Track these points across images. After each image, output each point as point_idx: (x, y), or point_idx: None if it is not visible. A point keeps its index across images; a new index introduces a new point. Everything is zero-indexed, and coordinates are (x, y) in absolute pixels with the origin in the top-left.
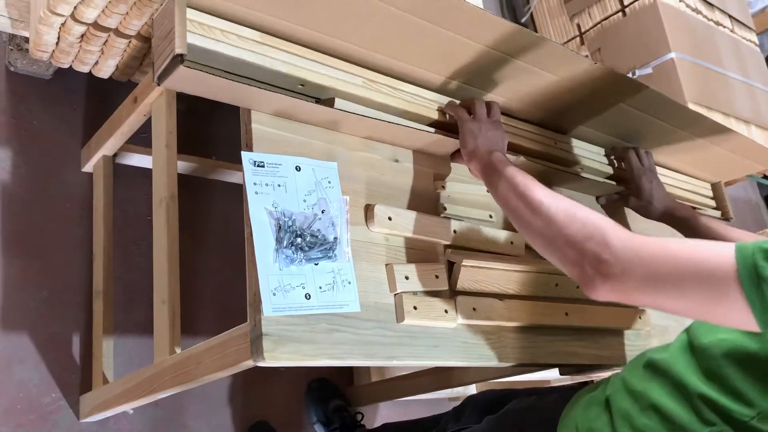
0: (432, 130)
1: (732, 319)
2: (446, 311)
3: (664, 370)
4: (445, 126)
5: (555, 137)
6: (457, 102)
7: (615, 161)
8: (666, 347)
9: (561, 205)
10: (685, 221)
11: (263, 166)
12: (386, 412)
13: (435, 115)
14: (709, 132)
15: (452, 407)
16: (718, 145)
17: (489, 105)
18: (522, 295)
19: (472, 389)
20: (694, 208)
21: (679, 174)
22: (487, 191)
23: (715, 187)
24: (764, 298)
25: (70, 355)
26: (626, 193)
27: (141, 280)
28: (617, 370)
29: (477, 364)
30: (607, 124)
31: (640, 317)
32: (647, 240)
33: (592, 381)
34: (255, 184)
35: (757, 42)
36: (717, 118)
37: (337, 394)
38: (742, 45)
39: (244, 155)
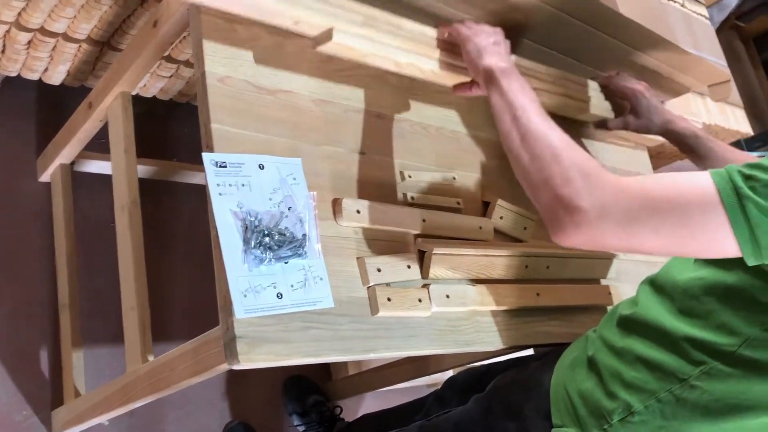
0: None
1: (716, 247)
2: (420, 300)
3: (640, 322)
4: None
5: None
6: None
7: (604, 92)
8: (633, 301)
9: (551, 141)
10: (684, 136)
11: (225, 167)
12: (368, 402)
13: (437, 54)
14: (646, 44)
15: (432, 391)
16: (659, 61)
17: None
18: (493, 279)
19: (450, 374)
20: None
21: None
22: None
23: None
24: (747, 216)
25: (39, 371)
26: (626, 111)
27: (108, 288)
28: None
29: (453, 350)
30: (552, 37)
31: (609, 293)
32: (625, 181)
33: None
34: (218, 185)
35: (707, 15)
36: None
37: (314, 389)
38: (693, 20)
39: (205, 156)
